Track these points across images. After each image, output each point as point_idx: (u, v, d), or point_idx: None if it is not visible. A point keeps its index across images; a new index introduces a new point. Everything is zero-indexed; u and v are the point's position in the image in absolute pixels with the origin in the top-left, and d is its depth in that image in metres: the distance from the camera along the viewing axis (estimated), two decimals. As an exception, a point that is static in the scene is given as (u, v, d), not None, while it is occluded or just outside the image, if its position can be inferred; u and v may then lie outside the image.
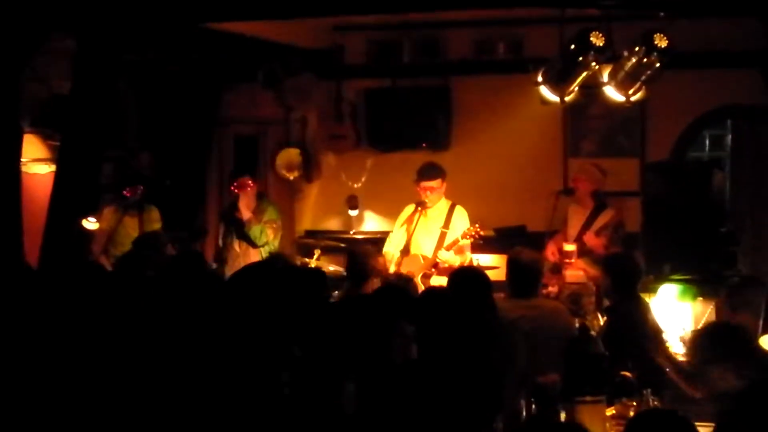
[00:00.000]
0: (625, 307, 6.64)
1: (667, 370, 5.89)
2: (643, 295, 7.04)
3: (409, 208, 8.86)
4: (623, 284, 6.72)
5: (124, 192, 9.18)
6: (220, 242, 9.50)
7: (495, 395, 4.90)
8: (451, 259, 8.55)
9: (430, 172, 8.77)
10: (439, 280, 8.39)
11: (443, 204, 8.83)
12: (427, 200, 8.73)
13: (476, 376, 4.92)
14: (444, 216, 8.78)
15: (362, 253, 7.60)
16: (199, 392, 4.93)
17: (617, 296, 6.75)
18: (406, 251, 8.72)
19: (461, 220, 8.75)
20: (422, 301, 5.91)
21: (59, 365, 5.23)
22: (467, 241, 8.57)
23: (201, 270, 6.66)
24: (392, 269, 8.52)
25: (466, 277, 6.38)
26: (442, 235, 8.71)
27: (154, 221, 9.30)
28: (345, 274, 9.00)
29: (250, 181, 9.42)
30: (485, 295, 6.15)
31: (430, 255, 8.69)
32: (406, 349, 5.30)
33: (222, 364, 5.06)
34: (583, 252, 8.87)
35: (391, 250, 8.76)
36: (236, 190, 9.38)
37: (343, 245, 9.78)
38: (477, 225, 8.51)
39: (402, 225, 8.85)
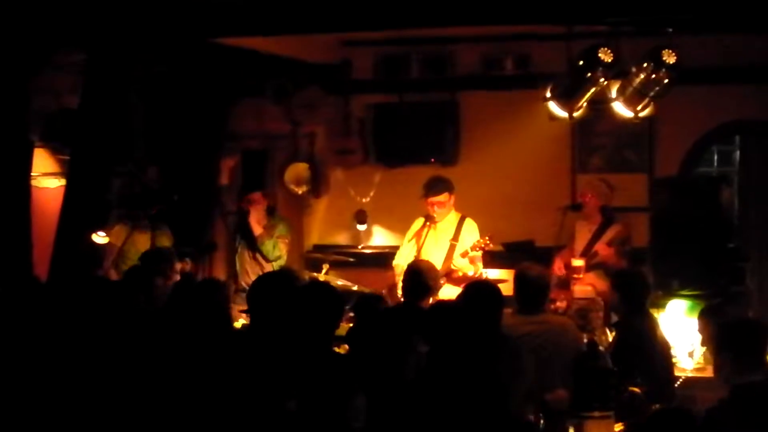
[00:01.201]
0: (634, 323, 6.64)
1: None
2: (651, 310, 7.03)
3: (419, 222, 8.86)
4: (632, 300, 6.72)
5: (151, 211, 9.19)
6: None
7: (503, 411, 4.90)
8: (465, 266, 8.55)
9: (436, 186, 8.75)
10: (449, 291, 8.37)
11: (453, 217, 8.81)
12: (435, 215, 8.71)
13: (484, 390, 4.92)
14: (454, 228, 8.76)
15: (425, 269, 7.49)
16: (203, 406, 4.94)
17: (626, 311, 6.74)
18: None
19: (471, 233, 8.72)
20: (431, 315, 5.91)
21: (68, 377, 5.24)
22: (477, 253, 8.56)
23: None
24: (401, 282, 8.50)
25: (480, 292, 6.36)
26: (452, 248, 8.69)
27: (165, 240, 9.31)
28: (354, 288, 9.02)
29: (260, 197, 9.44)
30: (496, 311, 6.14)
31: (439, 267, 8.66)
32: (418, 366, 5.31)
33: (228, 379, 5.07)
34: (592, 266, 8.88)
35: (401, 262, 8.73)
36: (247, 206, 9.40)
37: (351, 260, 9.79)
38: (487, 237, 8.50)
39: (411, 238, 8.84)
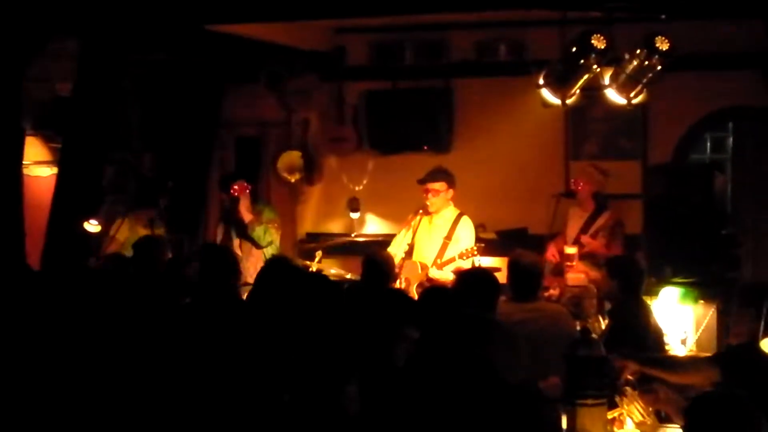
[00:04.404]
0: (628, 310, 6.65)
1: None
2: (644, 297, 7.04)
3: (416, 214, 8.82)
4: (627, 286, 6.72)
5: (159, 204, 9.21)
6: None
7: (497, 395, 4.90)
8: (442, 277, 8.49)
9: (434, 174, 8.72)
10: None
11: (450, 213, 8.76)
12: (429, 203, 8.67)
13: (477, 378, 4.93)
14: (449, 225, 8.70)
15: (382, 259, 7.49)
16: (197, 397, 4.94)
17: (621, 298, 6.74)
18: (410, 254, 8.71)
19: (465, 232, 8.68)
20: (424, 300, 5.92)
21: (59, 366, 5.24)
22: (465, 262, 8.48)
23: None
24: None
25: (475, 278, 6.37)
26: (444, 245, 8.65)
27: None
28: (348, 277, 9.03)
29: (245, 185, 9.40)
30: (491, 297, 6.14)
31: (429, 263, 8.65)
32: (409, 353, 5.32)
33: (222, 368, 5.07)
34: (583, 254, 8.88)
35: (396, 251, 8.72)
36: (236, 193, 9.36)
37: (344, 247, 9.80)
38: (475, 247, 8.46)
39: (409, 229, 8.81)
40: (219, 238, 9.60)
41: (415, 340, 5.35)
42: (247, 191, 9.36)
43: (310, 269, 8.99)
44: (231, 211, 9.48)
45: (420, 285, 8.50)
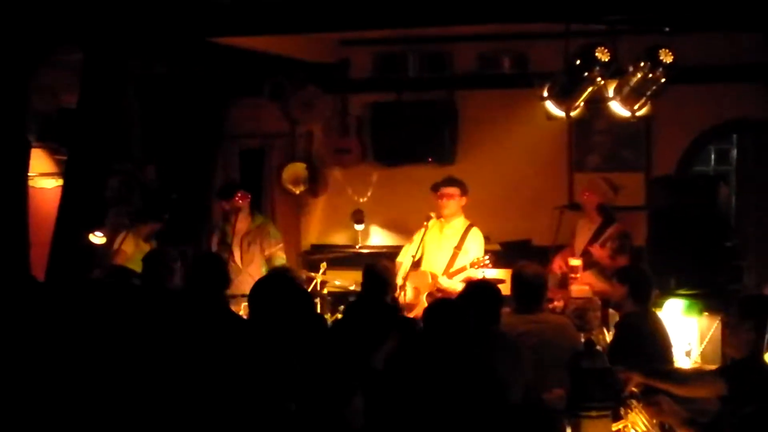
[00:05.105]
0: (636, 320, 6.65)
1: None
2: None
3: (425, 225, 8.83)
4: (638, 293, 6.73)
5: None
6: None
7: (501, 404, 4.91)
8: (452, 286, 8.53)
9: (450, 180, 8.86)
10: None
11: (460, 222, 8.82)
12: (444, 207, 8.71)
13: (482, 390, 4.93)
14: (459, 235, 8.77)
15: (382, 268, 7.50)
16: (203, 411, 4.94)
17: (630, 307, 6.74)
18: (418, 264, 8.72)
19: (475, 243, 8.74)
20: (430, 312, 5.92)
21: (63, 377, 5.24)
22: (476, 272, 8.51)
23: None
24: (399, 281, 8.49)
25: (479, 289, 6.38)
26: (454, 255, 8.69)
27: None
28: (351, 288, 9.02)
29: (244, 196, 9.36)
30: (494, 307, 6.15)
31: (439, 273, 8.67)
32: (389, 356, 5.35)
33: (227, 381, 5.07)
34: (589, 264, 8.86)
35: (404, 261, 8.74)
36: (237, 202, 9.31)
37: (349, 259, 9.80)
38: (486, 257, 8.50)
39: (417, 240, 8.81)
40: (215, 248, 9.56)
41: (395, 345, 5.38)
42: (244, 204, 9.32)
43: (315, 280, 8.98)
44: (225, 223, 9.45)
45: (430, 294, 8.53)
